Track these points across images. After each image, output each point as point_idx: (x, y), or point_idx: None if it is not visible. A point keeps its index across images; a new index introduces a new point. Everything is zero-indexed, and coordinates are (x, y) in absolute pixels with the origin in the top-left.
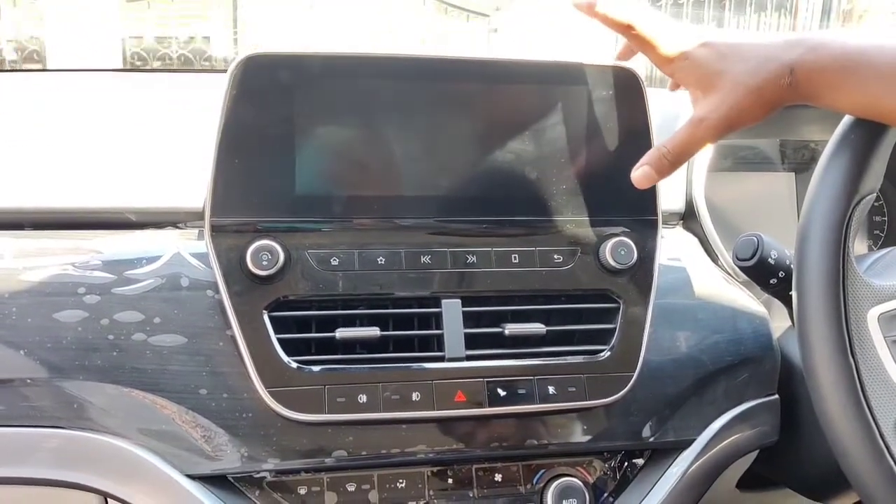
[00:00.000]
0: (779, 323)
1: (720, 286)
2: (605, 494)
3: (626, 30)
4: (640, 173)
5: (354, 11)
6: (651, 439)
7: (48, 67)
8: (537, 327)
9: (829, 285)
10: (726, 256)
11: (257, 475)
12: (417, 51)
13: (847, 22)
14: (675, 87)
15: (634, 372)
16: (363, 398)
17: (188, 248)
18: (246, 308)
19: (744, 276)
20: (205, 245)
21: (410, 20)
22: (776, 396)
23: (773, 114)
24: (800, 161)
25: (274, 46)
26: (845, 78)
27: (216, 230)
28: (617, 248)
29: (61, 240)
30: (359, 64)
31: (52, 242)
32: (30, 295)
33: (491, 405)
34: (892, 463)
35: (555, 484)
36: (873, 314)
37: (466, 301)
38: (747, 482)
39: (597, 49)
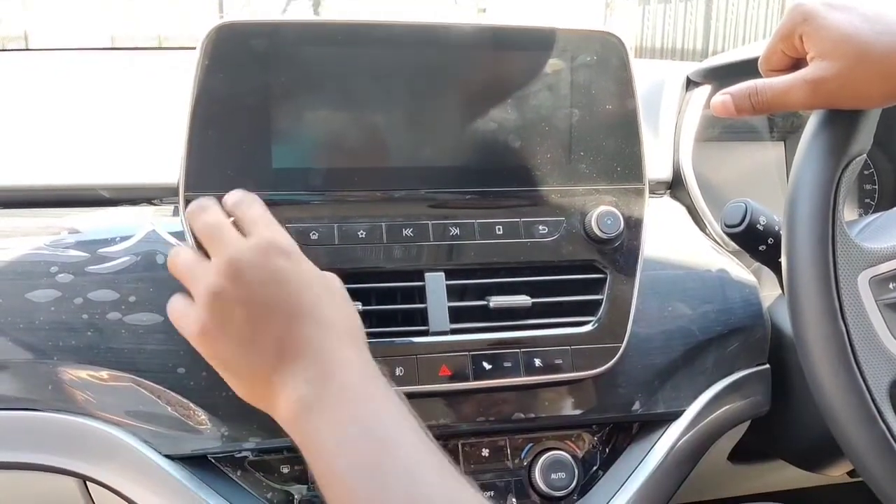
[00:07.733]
0: (768, 292)
1: (709, 255)
2: (594, 468)
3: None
4: (720, 101)
5: None
6: (640, 411)
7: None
8: (522, 299)
9: (819, 248)
10: (715, 225)
11: (238, 454)
12: (395, 17)
13: None
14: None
15: (622, 343)
16: None
17: (163, 224)
18: None
19: (733, 245)
20: (180, 221)
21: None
22: (767, 366)
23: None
24: (789, 130)
25: (246, 15)
26: None
27: None
28: (603, 217)
29: (33, 218)
30: (335, 32)
31: (24, 221)
32: (1, 275)
33: (476, 379)
34: (884, 428)
35: (543, 458)
36: (864, 277)
37: (450, 274)
38: (739, 454)
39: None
